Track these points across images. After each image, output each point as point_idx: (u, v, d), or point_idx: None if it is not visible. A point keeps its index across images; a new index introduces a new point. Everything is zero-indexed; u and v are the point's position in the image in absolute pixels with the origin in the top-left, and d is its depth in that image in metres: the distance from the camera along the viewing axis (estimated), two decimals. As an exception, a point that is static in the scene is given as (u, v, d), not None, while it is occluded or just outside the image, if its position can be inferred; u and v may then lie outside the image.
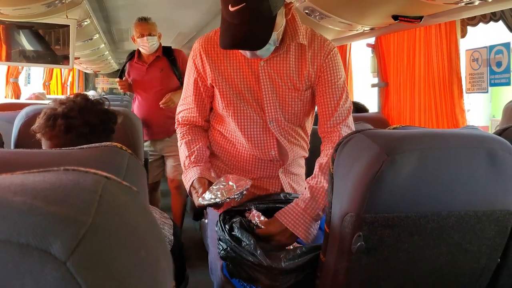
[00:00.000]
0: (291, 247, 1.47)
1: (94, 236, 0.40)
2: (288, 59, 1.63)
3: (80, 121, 1.41)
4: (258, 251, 1.38)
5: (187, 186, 1.66)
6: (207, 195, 1.50)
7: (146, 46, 3.35)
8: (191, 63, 1.73)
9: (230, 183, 1.53)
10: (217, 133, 1.77)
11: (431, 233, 1.21)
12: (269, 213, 1.58)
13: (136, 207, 0.49)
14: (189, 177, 1.65)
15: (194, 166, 1.66)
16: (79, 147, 1.04)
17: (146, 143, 3.42)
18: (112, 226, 0.42)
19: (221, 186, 1.52)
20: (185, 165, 1.69)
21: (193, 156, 1.68)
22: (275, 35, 1.51)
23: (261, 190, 1.75)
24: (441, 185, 1.20)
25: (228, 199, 1.47)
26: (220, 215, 1.57)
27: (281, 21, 1.52)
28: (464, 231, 1.23)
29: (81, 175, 0.46)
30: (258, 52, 1.54)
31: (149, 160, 3.30)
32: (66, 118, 1.40)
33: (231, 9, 1.43)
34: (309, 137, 1.80)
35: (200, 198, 1.51)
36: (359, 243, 1.18)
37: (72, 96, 1.50)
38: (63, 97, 1.52)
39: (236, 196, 1.48)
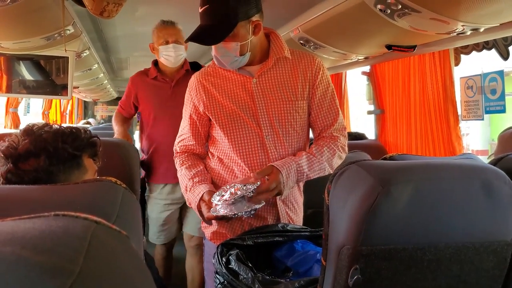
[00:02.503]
0: (288, 280, 1.45)
1: (82, 285, 0.40)
2: (278, 73, 1.75)
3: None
4: (256, 285, 1.37)
5: (194, 202, 1.71)
6: (216, 198, 1.55)
7: (171, 55, 2.64)
8: (188, 95, 1.85)
9: (237, 185, 1.55)
10: (215, 160, 1.81)
11: (428, 265, 1.20)
12: (268, 247, 1.58)
13: (125, 252, 0.49)
14: (197, 193, 1.70)
15: (201, 184, 1.72)
16: (73, 182, 1.04)
17: (164, 188, 2.74)
18: (100, 273, 0.42)
19: (228, 187, 1.56)
20: (188, 186, 1.75)
21: (197, 178, 1.75)
22: (238, 46, 1.65)
23: (257, 218, 1.76)
24: (438, 216, 1.19)
25: (237, 197, 1.51)
26: (217, 247, 1.57)
27: (245, 35, 1.66)
28: (462, 263, 1.22)
29: (70, 221, 0.46)
30: (227, 64, 1.70)
31: (167, 213, 2.75)
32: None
33: (199, 10, 1.64)
34: None
35: (211, 209, 1.57)
36: (356, 277, 1.17)
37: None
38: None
39: (246, 192, 1.52)
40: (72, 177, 1.25)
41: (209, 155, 1.86)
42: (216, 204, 1.56)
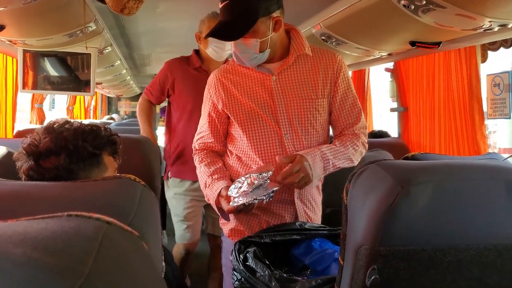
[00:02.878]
0: (305, 278, 1.45)
1: (91, 286, 0.40)
2: (298, 71, 1.73)
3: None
4: (273, 283, 1.37)
5: (212, 198, 1.72)
6: (233, 191, 1.58)
7: (221, 48, 2.53)
8: (207, 92, 1.85)
9: (252, 175, 1.57)
10: (234, 158, 1.81)
11: (448, 267, 1.18)
12: (285, 245, 1.57)
13: (136, 252, 0.50)
14: (215, 189, 1.71)
15: (220, 180, 1.73)
16: (93, 179, 1.05)
17: (194, 185, 2.65)
18: (110, 275, 0.43)
19: (243, 179, 1.59)
20: (208, 183, 1.75)
21: (216, 175, 1.75)
22: (258, 43, 1.64)
23: (275, 216, 1.75)
24: (458, 217, 1.17)
25: (254, 187, 1.53)
26: (235, 245, 1.57)
27: (265, 32, 1.64)
28: (483, 266, 1.19)
29: (83, 222, 0.47)
30: (247, 61, 1.69)
31: (193, 209, 2.72)
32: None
33: (220, 6, 1.64)
34: None
35: (230, 202, 1.58)
36: (373, 277, 1.15)
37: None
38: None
39: (262, 181, 1.55)
40: (92, 175, 1.27)
41: (228, 152, 1.86)
42: (233, 197, 1.57)
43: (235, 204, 1.56)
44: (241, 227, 1.78)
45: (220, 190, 1.68)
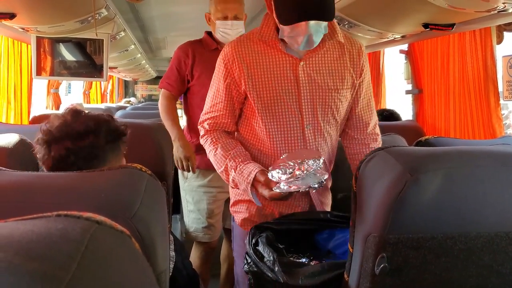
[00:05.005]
0: (312, 263, 1.46)
1: None
2: (327, 58, 1.63)
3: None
4: (276, 268, 1.38)
5: (245, 183, 1.58)
6: (279, 176, 1.44)
7: (229, 34, 2.38)
8: (222, 67, 1.68)
9: (307, 161, 1.45)
10: (245, 141, 1.73)
11: (458, 254, 1.17)
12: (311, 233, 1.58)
13: (125, 253, 0.49)
14: (247, 173, 1.57)
15: (248, 163, 1.60)
16: (99, 169, 1.06)
17: (210, 176, 2.45)
18: (94, 280, 0.42)
19: (292, 164, 1.45)
20: (232, 166, 1.62)
21: (240, 158, 1.62)
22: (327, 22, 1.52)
23: (288, 206, 1.71)
24: (469, 205, 1.15)
25: (308, 173, 1.42)
26: (251, 230, 1.57)
27: None
28: (495, 253, 1.18)
29: (71, 222, 0.46)
30: (315, 45, 1.54)
31: (218, 203, 2.51)
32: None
33: None
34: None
35: (275, 188, 1.46)
36: (382, 265, 1.15)
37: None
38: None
39: (317, 167, 1.44)
40: (117, 158, 1.30)
41: (237, 134, 1.77)
42: (280, 183, 1.44)
43: (282, 190, 1.44)
44: (255, 217, 1.72)
45: (255, 175, 1.55)
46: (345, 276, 1.28)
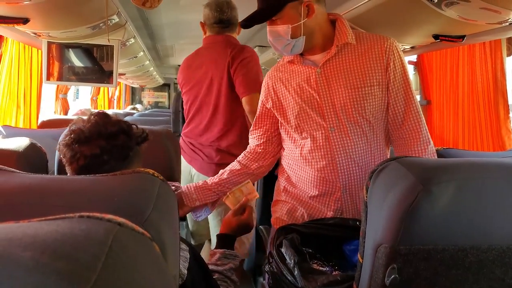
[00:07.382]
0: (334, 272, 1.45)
1: None
2: (343, 60, 1.66)
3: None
4: (296, 272, 1.38)
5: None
6: None
7: None
8: (263, 88, 1.90)
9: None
10: (285, 158, 1.87)
11: (470, 267, 1.16)
12: (340, 239, 1.57)
13: (146, 255, 0.49)
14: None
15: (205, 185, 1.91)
16: (112, 173, 1.06)
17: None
18: (118, 280, 0.43)
19: None
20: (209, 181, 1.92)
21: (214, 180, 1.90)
22: (289, 29, 1.60)
23: (314, 210, 1.74)
24: (481, 217, 1.14)
25: None
26: (277, 230, 1.61)
27: (296, 17, 1.60)
28: (507, 266, 1.17)
29: (94, 224, 0.47)
30: (280, 48, 1.66)
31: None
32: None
33: None
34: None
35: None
36: (393, 276, 1.14)
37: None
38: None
39: None
40: (138, 161, 1.33)
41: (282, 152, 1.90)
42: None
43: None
44: (285, 217, 1.81)
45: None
46: (355, 286, 1.28)
